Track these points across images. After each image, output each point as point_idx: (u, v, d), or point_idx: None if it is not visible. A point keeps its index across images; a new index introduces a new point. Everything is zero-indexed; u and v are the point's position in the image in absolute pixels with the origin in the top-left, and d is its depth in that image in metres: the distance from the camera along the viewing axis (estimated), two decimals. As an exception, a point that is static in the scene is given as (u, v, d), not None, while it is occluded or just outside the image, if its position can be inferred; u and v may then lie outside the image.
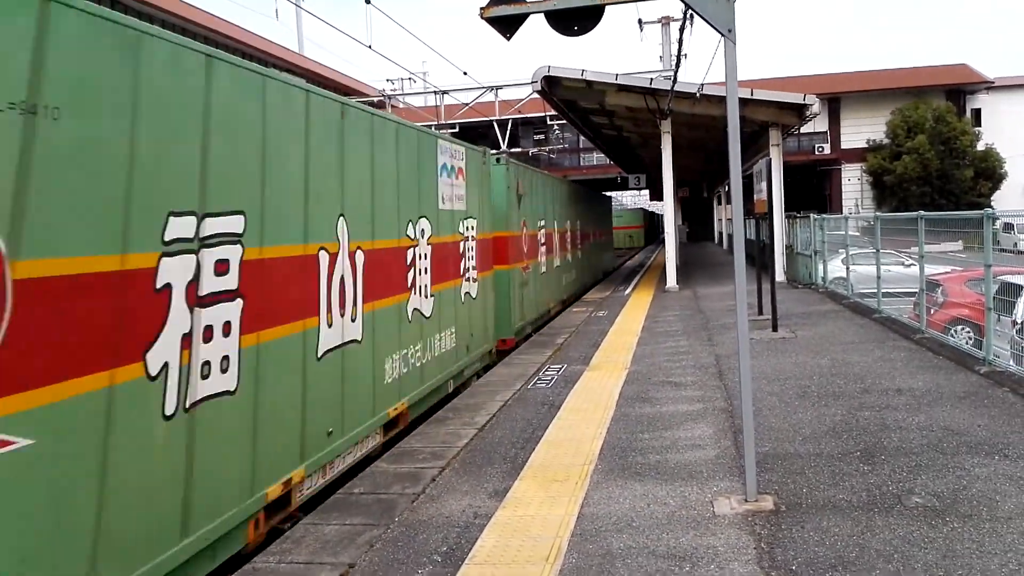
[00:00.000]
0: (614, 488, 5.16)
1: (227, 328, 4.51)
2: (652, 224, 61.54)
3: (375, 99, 48.82)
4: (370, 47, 22.47)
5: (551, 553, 4.21)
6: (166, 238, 4.02)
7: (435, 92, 37.09)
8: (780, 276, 16.79)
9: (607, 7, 6.16)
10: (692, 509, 4.72)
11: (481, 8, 6.21)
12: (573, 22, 6.31)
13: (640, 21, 28.01)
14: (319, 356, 5.62)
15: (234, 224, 4.61)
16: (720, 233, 41.80)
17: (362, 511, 5.06)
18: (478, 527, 4.65)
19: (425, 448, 6.35)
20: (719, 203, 42.39)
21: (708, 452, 5.80)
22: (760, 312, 12.11)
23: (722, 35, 4.86)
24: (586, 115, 24.42)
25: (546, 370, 9.28)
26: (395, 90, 49.87)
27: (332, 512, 5.07)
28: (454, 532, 4.60)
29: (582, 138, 40.23)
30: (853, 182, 41.83)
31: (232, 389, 4.55)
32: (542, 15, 6.29)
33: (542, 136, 45.30)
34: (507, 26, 6.27)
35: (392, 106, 42.66)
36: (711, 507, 4.73)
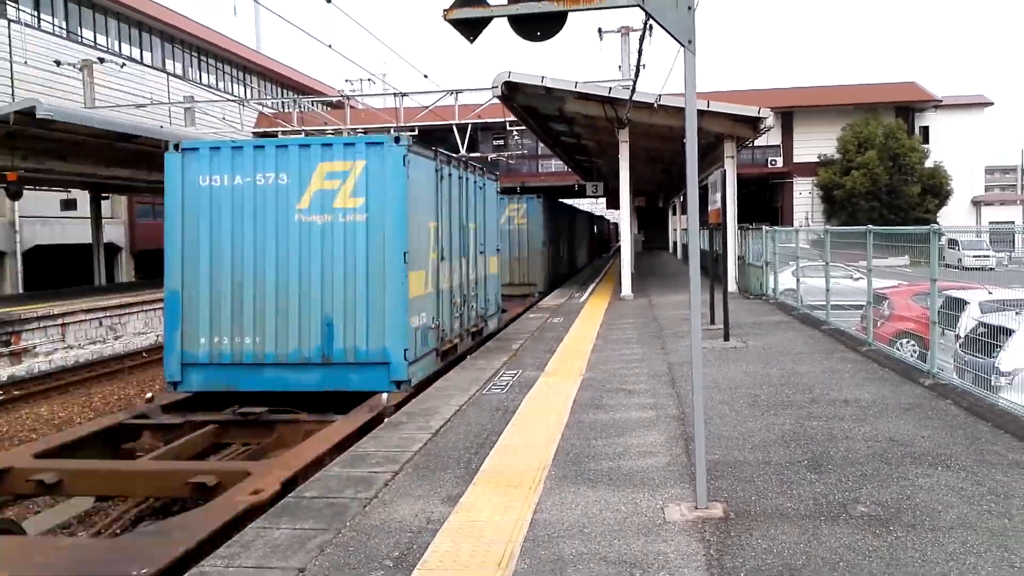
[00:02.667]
0: (567, 494, 5.17)
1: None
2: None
3: (334, 99, 48.42)
4: (330, 47, 22.30)
5: (503, 559, 4.20)
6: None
7: (395, 94, 36.91)
8: (732, 287, 17.04)
9: (570, 13, 6.19)
10: (643, 516, 4.76)
11: (444, 10, 6.19)
12: (536, 27, 6.33)
13: (600, 30, 28.33)
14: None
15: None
16: (675, 243, 42.32)
17: (313, 515, 4.99)
18: (430, 532, 4.62)
19: (378, 452, 6.29)
20: (674, 213, 42.92)
21: (660, 459, 5.85)
22: (712, 321, 12.28)
23: (682, 45, 4.92)
24: (545, 122, 24.53)
25: (501, 375, 9.28)
26: (354, 91, 49.50)
27: (282, 516, 4.99)
28: (406, 537, 4.56)
29: (541, 145, 40.40)
30: (804, 195, 42.75)
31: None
32: (505, 19, 6.30)
33: (501, 142, 45.37)
34: (470, 29, 6.26)
35: (351, 107, 42.33)
36: (662, 514, 4.76)
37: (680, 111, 17.53)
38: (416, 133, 41.92)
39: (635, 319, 14.51)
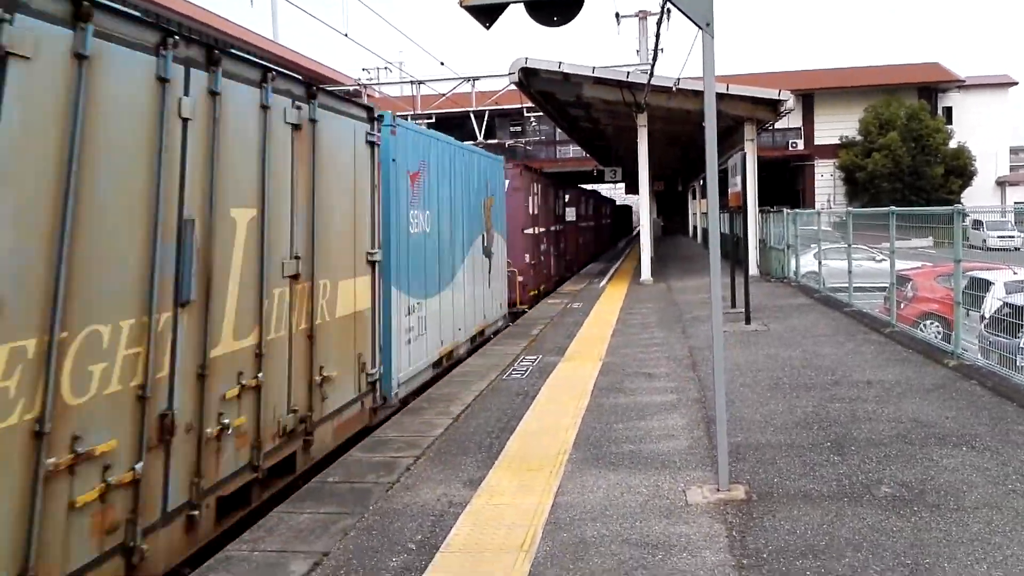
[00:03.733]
0: (588, 477, 5.18)
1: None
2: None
3: (351, 88, 48.44)
4: (346, 35, 22.30)
5: (525, 541, 4.23)
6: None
7: (411, 82, 36.89)
8: (753, 270, 16.95)
9: (585, -2, 6.16)
10: (665, 498, 4.76)
11: (460, -3, 6.17)
12: (553, 12, 6.30)
13: (617, 15, 28.03)
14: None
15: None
16: (695, 227, 42.09)
17: (336, 500, 5.04)
18: (452, 516, 4.65)
19: (400, 437, 6.33)
20: (694, 197, 42.66)
21: (681, 442, 5.84)
22: (733, 305, 12.22)
23: (700, 28, 4.88)
24: (563, 107, 24.43)
25: (521, 361, 9.29)
26: (371, 79, 49.60)
27: (306, 500, 5.05)
28: (428, 521, 4.59)
29: (558, 130, 40.25)
30: (826, 178, 42.30)
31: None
32: (522, 5, 6.27)
33: (519, 128, 45.25)
34: (486, 15, 6.25)
35: (368, 95, 42.34)
36: (684, 496, 4.76)
37: (699, 94, 17.36)
38: (434, 120, 41.97)
39: (655, 303, 14.47)
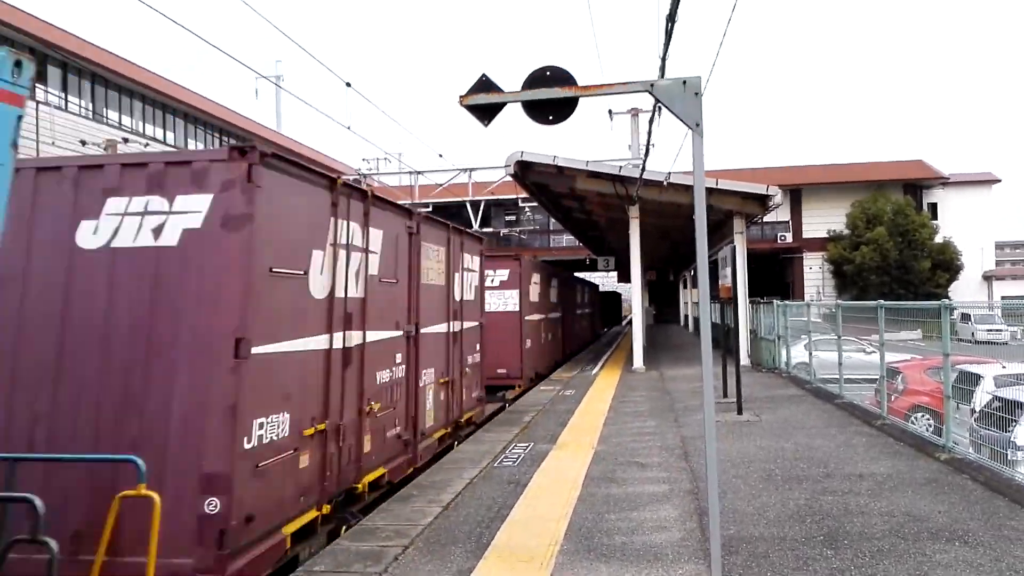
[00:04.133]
0: (580, 570, 5.11)
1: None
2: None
3: (351, 178, 49.41)
4: (349, 128, 22.95)
5: (515, 635, 4.15)
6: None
7: (410, 172, 37.77)
8: (744, 360, 16.99)
9: (580, 98, 6.44)
10: (657, 592, 4.69)
11: (461, 96, 6.45)
12: (548, 111, 6.57)
13: (610, 111, 29.02)
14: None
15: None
16: (686, 316, 42.32)
17: (323, 590, 4.95)
18: (441, 608, 4.56)
19: (388, 526, 6.25)
20: (684, 286, 43.07)
21: (674, 534, 5.78)
22: (725, 395, 12.22)
23: (690, 128, 5.11)
24: (557, 198, 24.95)
25: (513, 448, 9.23)
26: (371, 169, 50.69)
27: (292, 590, 4.95)
28: (417, 612, 4.51)
29: (552, 220, 40.94)
30: (815, 270, 42.88)
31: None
32: (519, 104, 6.55)
33: (514, 217, 46.02)
34: (485, 114, 6.50)
35: (368, 184, 43.11)
36: (676, 590, 4.70)
37: (689, 188, 17.71)
38: (431, 209, 42.64)
39: (647, 392, 14.45)
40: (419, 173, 36.83)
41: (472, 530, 6.04)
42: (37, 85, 32.05)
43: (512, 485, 7.42)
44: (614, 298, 58.99)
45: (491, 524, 6.18)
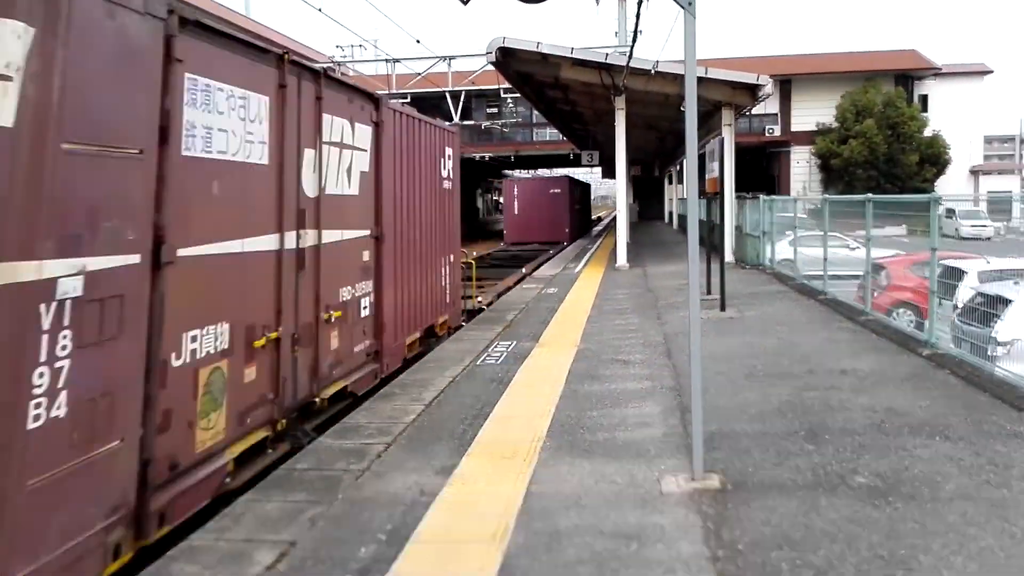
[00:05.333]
0: (562, 466, 5.11)
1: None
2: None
3: (325, 65, 47.80)
4: (320, 10, 21.87)
5: (498, 531, 4.15)
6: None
7: (387, 60, 36.45)
8: (729, 257, 16.95)
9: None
10: (640, 487, 4.70)
11: (437, -28, 6.01)
12: (532, -11, 6.15)
13: (597, -6, 27.89)
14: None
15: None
16: (671, 212, 42.15)
17: (305, 487, 4.92)
18: (424, 505, 4.55)
19: (371, 424, 6.22)
20: (670, 182, 42.71)
21: (656, 430, 5.79)
22: (708, 292, 12.20)
23: (682, 7, 4.77)
24: (541, 89, 24.25)
25: (495, 346, 9.20)
26: (345, 57, 48.96)
27: (273, 489, 4.92)
28: (399, 510, 4.49)
29: (536, 113, 40.01)
30: (802, 165, 42.50)
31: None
32: (500, -19, 6.12)
33: (495, 109, 44.94)
34: (464, -9, 6.07)
35: (343, 73, 41.77)
36: (658, 485, 4.71)
37: (677, 78, 17.31)
38: (409, 100, 41.48)
39: (630, 289, 14.43)
40: (396, 61, 35.55)
41: (455, 427, 6.03)
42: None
43: (495, 383, 7.40)
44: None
45: (474, 421, 6.16)
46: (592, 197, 59.60)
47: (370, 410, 6.65)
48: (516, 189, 37.98)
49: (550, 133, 43.77)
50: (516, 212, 36.71)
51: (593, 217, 60.86)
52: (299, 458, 5.52)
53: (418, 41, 42.65)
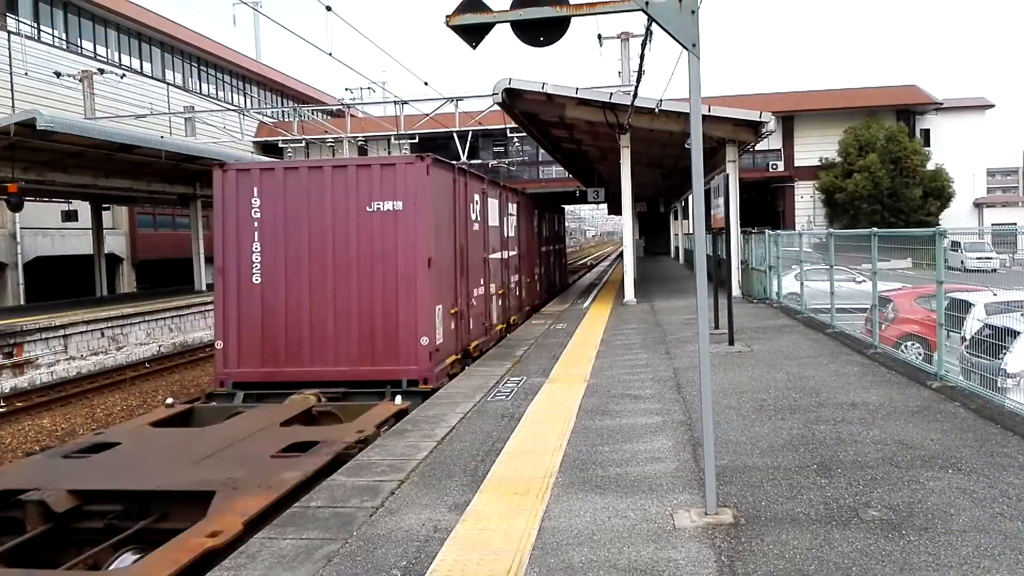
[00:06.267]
0: (575, 501, 5.13)
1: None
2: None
3: (334, 108, 48.52)
4: (331, 55, 22.29)
5: (512, 567, 4.16)
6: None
7: (395, 102, 36.99)
8: (736, 291, 17.00)
9: (573, 18, 6.18)
10: (653, 522, 4.71)
11: (447, 16, 6.19)
12: (539, 32, 6.32)
13: (600, 36, 28.32)
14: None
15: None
16: (677, 248, 42.29)
17: (319, 525, 4.95)
18: (438, 541, 4.58)
19: (383, 461, 6.25)
20: (675, 218, 42.93)
21: (668, 465, 5.81)
22: (716, 326, 12.24)
23: (686, 49, 4.90)
24: (546, 128, 24.53)
25: (506, 382, 9.24)
26: (354, 99, 49.70)
27: (288, 526, 4.95)
28: (413, 546, 4.52)
29: (542, 151, 40.39)
30: (806, 199, 42.72)
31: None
32: (508, 25, 6.29)
33: (502, 148, 45.43)
34: (473, 35, 6.25)
35: (351, 115, 42.42)
36: (671, 520, 4.72)
37: (681, 116, 17.53)
38: (416, 140, 41.99)
39: (639, 324, 14.47)
40: (404, 103, 36.05)
41: (467, 464, 6.05)
42: (7, 14, 30.96)
43: (506, 419, 7.43)
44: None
45: (486, 458, 6.19)
46: (597, 233, 59.92)
47: (382, 447, 6.68)
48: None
49: (556, 171, 44.15)
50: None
51: (587, 260, 59.21)
52: (312, 496, 5.55)
53: (426, 83, 43.12)
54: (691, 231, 31.71)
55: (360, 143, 44.34)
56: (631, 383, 8.88)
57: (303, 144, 43.54)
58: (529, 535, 4.60)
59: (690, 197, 30.89)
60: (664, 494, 5.19)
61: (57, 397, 14.93)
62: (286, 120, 46.32)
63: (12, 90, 29.93)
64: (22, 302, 27.32)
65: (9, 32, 30.83)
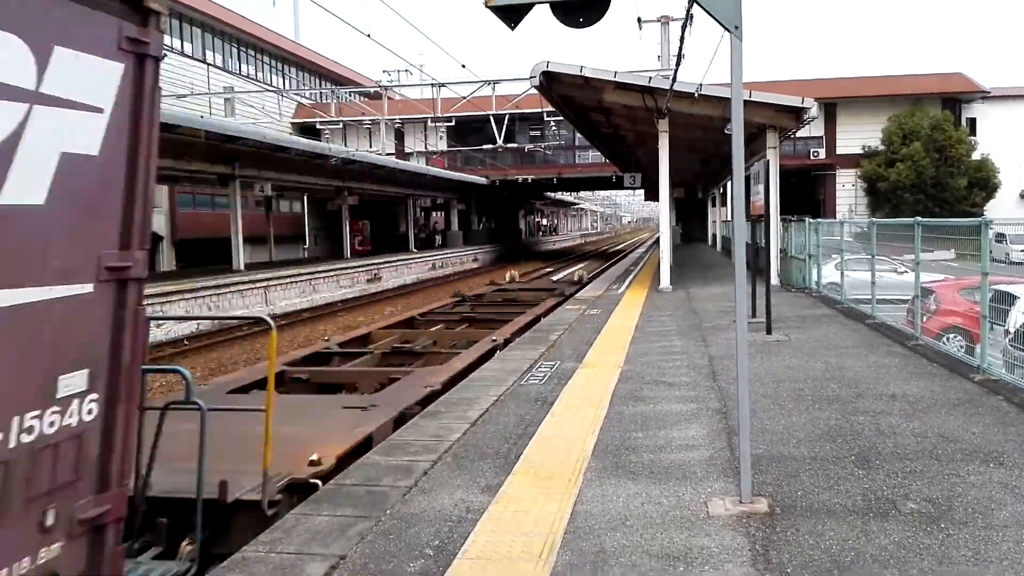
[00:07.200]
0: (608, 486, 5.12)
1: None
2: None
3: (372, 90, 48.70)
4: (369, 36, 22.33)
5: (544, 549, 4.18)
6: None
7: (432, 84, 36.99)
8: (775, 280, 16.80)
9: None
10: (686, 509, 4.69)
11: (485, -3, 6.15)
12: (579, 13, 6.26)
13: (639, 19, 27.99)
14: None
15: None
16: (714, 235, 41.86)
17: (353, 503, 5.01)
18: (470, 521, 4.61)
19: (417, 441, 6.30)
20: (713, 205, 42.45)
21: (702, 452, 5.77)
22: (754, 314, 12.11)
23: (728, 31, 4.82)
24: (583, 112, 24.39)
25: (539, 366, 9.24)
26: (392, 81, 49.79)
27: (323, 503, 5.02)
28: (446, 526, 4.55)
29: (579, 136, 40.16)
30: (847, 188, 41.96)
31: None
32: (547, 6, 6.24)
33: (538, 132, 45.25)
34: (512, 16, 6.22)
35: (388, 97, 42.55)
36: (705, 507, 4.70)
37: (722, 101, 17.29)
38: (453, 123, 41.89)
39: (674, 311, 14.37)
40: (441, 85, 36.04)
41: (500, 446, 6.08)
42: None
43: (539, 403, 7.44)
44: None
45: (518, 441, 6.20)
46: (634, 219, 59.74)
47: (416, 427, 6.73)
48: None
49: (592, 156, 43.89)
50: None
51: (622, 246, 59.58)
52: (347, 474, 5.61)
53: (463, 66, 43.19)
54: (729, 218, 31.33)
55: (397, 125, 44.48)
56: (666, 370, 8.83)
57: (340, 126, 43.80)
58: (561, 518, 4.61)
59: (729, 183, 30.51)
60: (698, 482, 5.16)
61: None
62: (324, 102, 46.60)
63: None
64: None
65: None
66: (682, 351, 10.04)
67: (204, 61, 40.91)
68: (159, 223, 34.94)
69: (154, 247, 34.18)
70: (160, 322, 19.30)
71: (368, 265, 32.65)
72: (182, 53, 39.44)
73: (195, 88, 36.12)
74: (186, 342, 19.05)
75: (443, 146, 47.15)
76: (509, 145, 39.58)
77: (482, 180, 45.53)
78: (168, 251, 35.98)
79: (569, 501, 4.89)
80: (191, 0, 39.37)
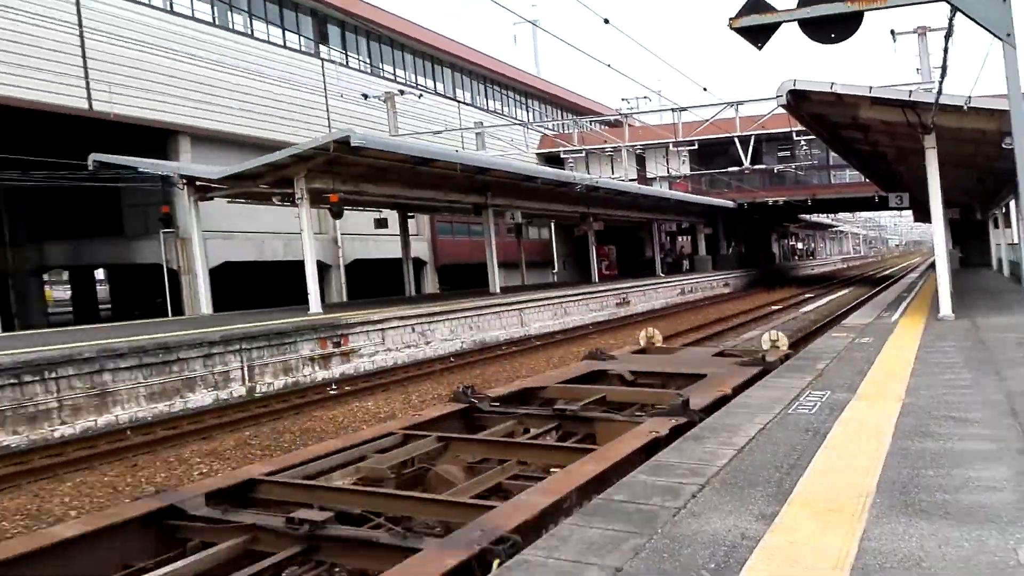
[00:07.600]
0: (897, 525, 4.75)
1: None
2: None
3: (611, 118, 49.51)
4: (609, 66, 22.86)
5: (832, 585, 3.96)
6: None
7: (672, 109, 36.88)
8: (1078, 308, 14.68)
9: (866, 12, 5.79)
10: (992, 555, 4.23)
11: (730, 19, 6.09)
12: (830, 29, 6.05)
13: (893, 32, 26.04)
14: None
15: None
16: (999, 259, 37.39)
17: (623, 518, 5.07)
18: (746, 548, 4.48)
19: (682, 464, 6.25)
20: (995, 226, 37.96)
21: (1007, 495, 5.17)
22: (1057, 347, 10.66)
23: (999, 39, 4.39)
24: (836, 130, 22.99)
25: (807, 395, 8.79)
26: (631, 108, 50.25)
27: (595, 516, 5.14)
28: (721, 550, 4.47)
29: (832, 154, 37.94)
30: None
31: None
32: (795, 23, 6.07)
33: (787, 152, 43.31)
34: (757, 36, 6.12)
35: (628, 124, 42.99)
36: (1015, 554, 4.20)
37: (995, 113, 15.49)
38: (696, 147, 41.45)
39: (958, 342, 13.02)
40: (682, 109, 35.86)
41: (771, 475, 5.86)
42: (320, 44, 35.59)
43: (810, 434, 7.07)
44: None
45: (791, 471, 5.94)
46: (901, 242, 55.26)
47: (679, 450, 6.69)
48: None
49: (850, 175, 41.20)
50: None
51: (890, 271, 55.04)
52: (613, 491, 5.70)
53: (704, 89, 42.64)
54: (1017, 240, 27.87)
55: (638, 151, 44.77)
56: (955, 404, 8.01)
57: (583, 154, 44.95)
58: (847, 554, 4.34)
59: (1011, 203, 27.15)
60: (1004, 526, 4.62)
61: (378, 383, 16.86)
62: (566, 132, 48.11)
63: (328, 111, 34.41)
64: (344, 299, 31.16)
65: (323, 60, 35.38)
66: (972, 384, 9.06)
67: (454, 99, 43.99)
68: (422, 249, 37.95)
69: (419, 271, 37.16)
70: (428, 339, 20.96)
71: (617, 289, 33.13)
72: (435, 92, 42.69)
73: (448, 124, 38.90)
74: (451, 359, 20.47)
75: (686, 170, 46.68)
76: (756, 167, 38.27)
77: (729, 203, 44.43)
78: (432, 275, 38.97)
79: (853, 537, 4.59)
80: (442, 44, 42.65)
